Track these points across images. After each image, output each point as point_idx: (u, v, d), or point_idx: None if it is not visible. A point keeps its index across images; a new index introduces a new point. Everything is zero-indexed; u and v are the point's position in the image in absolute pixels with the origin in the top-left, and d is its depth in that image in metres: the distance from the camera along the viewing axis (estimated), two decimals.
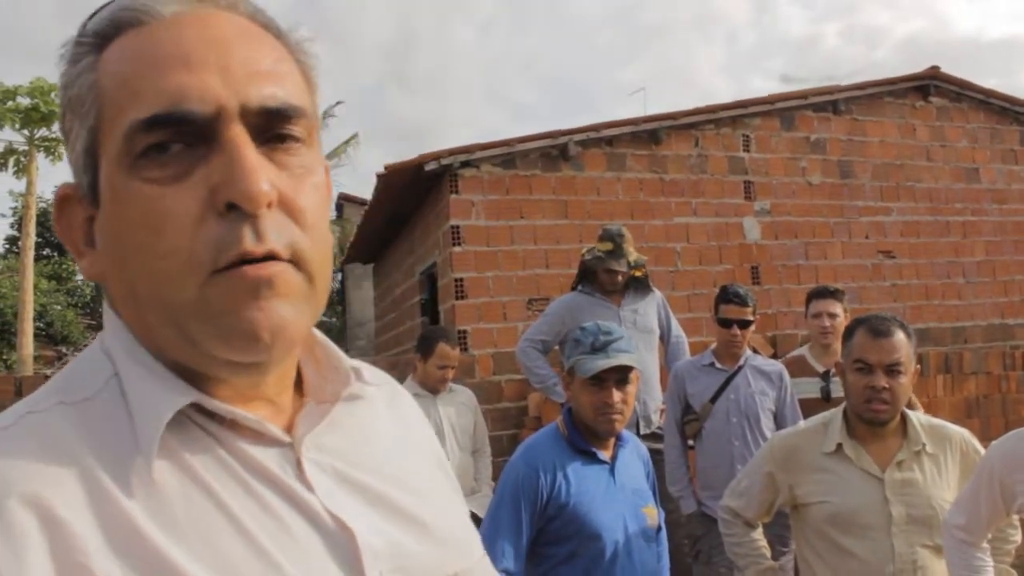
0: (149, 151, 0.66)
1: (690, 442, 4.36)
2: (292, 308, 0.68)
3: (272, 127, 0.69)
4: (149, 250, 0.65)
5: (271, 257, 0.66)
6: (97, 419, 0.66)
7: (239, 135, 0.67)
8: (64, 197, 0.71)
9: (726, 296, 4.19)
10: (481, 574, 0.85)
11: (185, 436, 0.67)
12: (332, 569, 0.69)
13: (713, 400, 4.18)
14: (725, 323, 4.17)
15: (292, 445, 0.73)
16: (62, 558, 0.58)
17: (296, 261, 0.68)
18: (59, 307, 21.90)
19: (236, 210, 0.65)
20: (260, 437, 0.71)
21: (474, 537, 0.89)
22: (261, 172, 0.66)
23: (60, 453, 0.63)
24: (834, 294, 4.52)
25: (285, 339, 0.68)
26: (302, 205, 0.69)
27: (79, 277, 24.39)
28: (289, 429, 0.74)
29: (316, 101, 0.77)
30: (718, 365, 4.23)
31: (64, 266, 22.81)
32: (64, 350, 21.52)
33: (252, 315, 0.66)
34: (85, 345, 24.30)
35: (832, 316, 4.41)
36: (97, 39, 0.69)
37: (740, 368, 4.20)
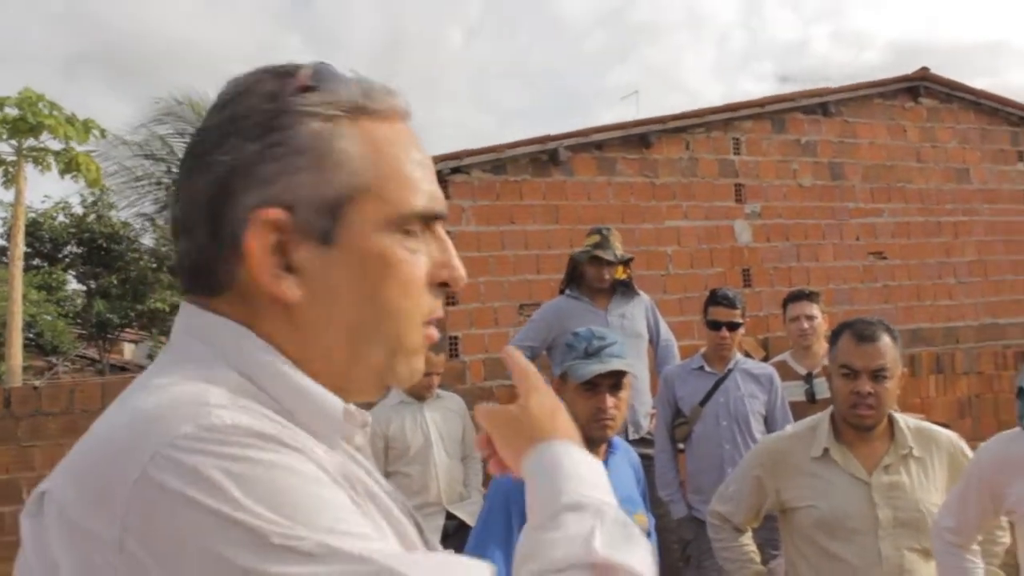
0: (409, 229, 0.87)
1: (680, 446, 4.34)
2: None
3: None
4: (401, 299, 0.87)
5: None
6: (263, 412, 0.79)
7: (444, 232, 0.93)
8: (273, 223, 0.82)
9: (715, 299, 4.19)
10: None
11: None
12: (419, 543, 0.90)
13: (703, 403, 4.16)
14: (714, 325, 4.15)
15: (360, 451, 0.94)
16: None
17: None
18: (49, 317, 21.78)
19: (442, 286, 0.91)
20: (346, 438, 0.91)
21: None
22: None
23: (282, 425, 0.77)
24: (809, 296, 4.52)
25: None
26: None
27: (70, 287, 24.28)
28: None
29: None
30: (707, 368, 4.22)
31: (54, 276, 22.69)
32: (54, 360, 21.43)
33: (424, 357, 0.93)
34: (77, 355, 24.15)
35: (810, 318, 4.42)
36: (352, 111, 0.86)
37: (730, 371, 4.18)
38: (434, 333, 0.92)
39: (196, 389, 0.77)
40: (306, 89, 0.84)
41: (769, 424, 4.15)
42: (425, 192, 0.89)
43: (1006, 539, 2.60)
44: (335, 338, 0.86)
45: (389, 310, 0.86)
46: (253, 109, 0.84)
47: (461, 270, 0.92)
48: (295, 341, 0.85)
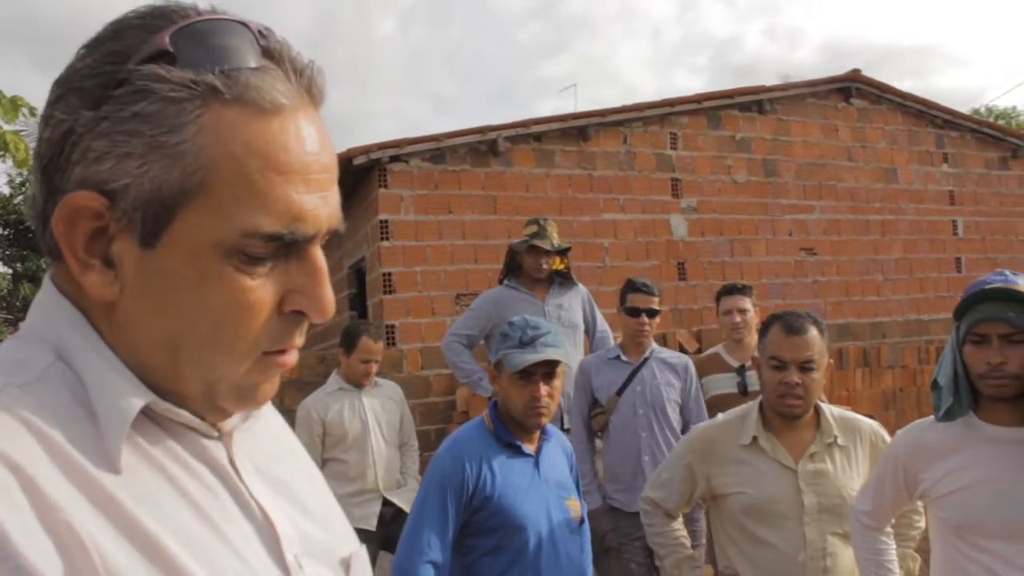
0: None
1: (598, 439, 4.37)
2: None
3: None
4: (223, 328, 0.73)
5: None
6: (49, 402, 0.69)
7: (320, 254, 0.77)
8: (84, 208, 0.70)
9: (633, 286, 4.25)
10: (364, 559, 0.93)
11: (138, 426, 0.73)
12: (261, 550, 0.78)
13: (619, 393, 4.20)
14: (633, 312, 4.20)
15: (220, 439, 0.81)
16: (47, 517, 0.63)
17: None
18: None
19: (300, 315, 0.77)
20: (194, 431, 0.79)
21: (350, 528, 0.97)
22: (331, 293, 0.77)
23: (26, 427, 0.66)
24: (742, 290, 4.59)
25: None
26: None
27: None
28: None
29: None
30: (624, 358, 4.26)
31: None
32: None
33: (268, 388, 0.80)
34: (2, 339, 23.48)
35: (742, 311, 4.49)
36: (206, 90, 0.70)
37: (646, 360, 4.23)
38: (287, 360, 0.79)
39: None
40: (162, 54, 0.70)
41: (684, 413, 4.22)
42: (283, 209, 0.72)
43: (922, 523, 2.71)
44: (152, 349, 0.74)
45: (207, 339, 0.73)
46: (96, 67, 0.71)
47: (325, 303, 0.76)
48: (115, 334, 0.75)
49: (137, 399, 0.72)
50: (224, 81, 0.70)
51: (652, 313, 4.20)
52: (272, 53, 0.74)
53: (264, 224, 0.71)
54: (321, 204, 0.75)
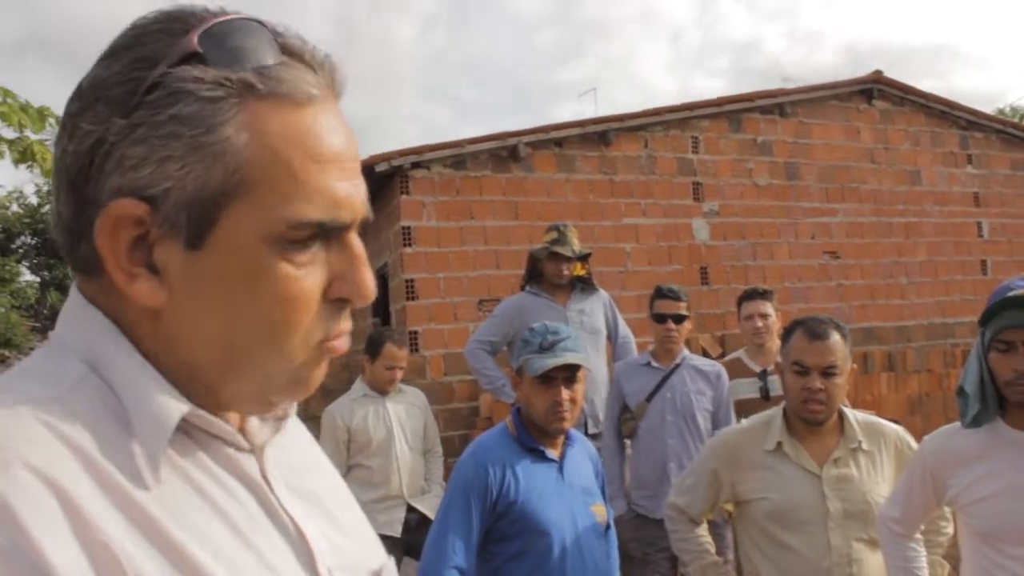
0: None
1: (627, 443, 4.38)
2: None
3: None
4: (278, 323, 0.74)
5: None
6: (83, 414, 0.69)
7: (358, 240, 0.79)
8: (126, 217, 0.70)
9: (660, 292, 4.25)
10: (393, 572, 0.93)
11: (171, 438, 0.72)
12: (295, 565, 0.78)
13: (649, 399, 4.20)
14: (660, 318, 4.20)
15: (253, 452, 0.81)
16: (82, 531, 0.62)
17: None
18: (2, 309, 21.40)
19: (344, 301, 0.78)
20: (227, 444, 0.79)
21: (378, 539, 0.97)
22: (372, 277, 0.79)
23: (60, 440, 0.65)
24: (764, 295, 4.58)
25: None
26: None
27: (24, 279, 23.88)
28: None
29: None
30: (654, 364, 4.26)
31: (7, 267, 22.29)
32: (7, 353, 21.07)
33: (319, 375, 0.80)
34: (31, 348, 23.73)
35: (764, 316, 4.48)
36: (241, 91, 0.71)
37: (677, 367, 4.23)
38: (339, 346, 0.80)
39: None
40: (192, 56, 0.70)
41: (714, 421, 4.22)
42: (324, 197, 0.74)
43: (949, 530, 2.70)
44: (202, 354, 0.75)
45: (263, 333, 0.74)
46: (124, 74, 0.71)
47: (366, 287, 0.78)
48: (159, 342, 0.75)
49: (176, 410, 0.72)
50: (258, 77, 0.71)
51: (679, 319, 4.21)
52: (291, 49, 0.75)
53: (308, 213, 0.72)
54: (355, 191, 0.77)
